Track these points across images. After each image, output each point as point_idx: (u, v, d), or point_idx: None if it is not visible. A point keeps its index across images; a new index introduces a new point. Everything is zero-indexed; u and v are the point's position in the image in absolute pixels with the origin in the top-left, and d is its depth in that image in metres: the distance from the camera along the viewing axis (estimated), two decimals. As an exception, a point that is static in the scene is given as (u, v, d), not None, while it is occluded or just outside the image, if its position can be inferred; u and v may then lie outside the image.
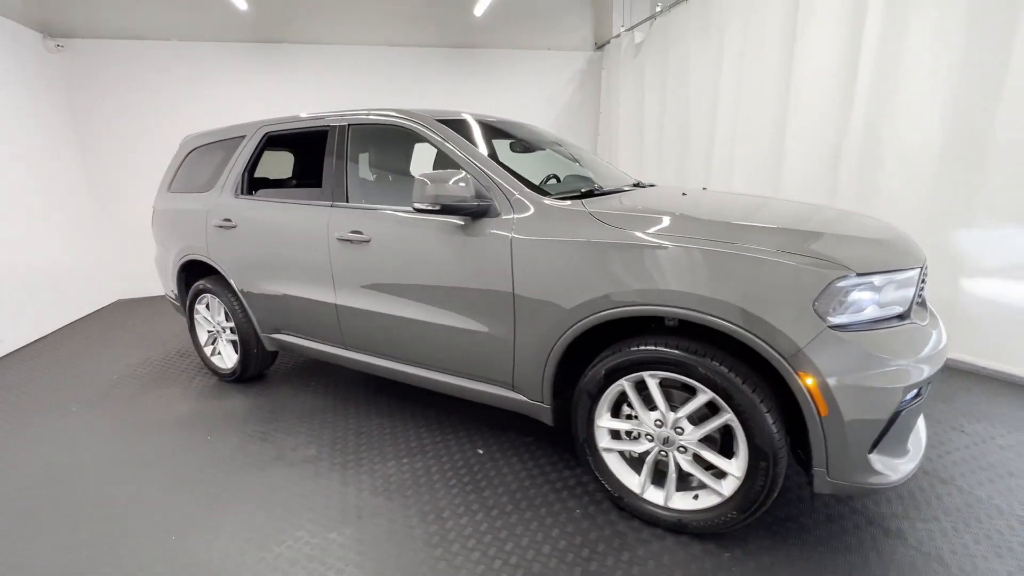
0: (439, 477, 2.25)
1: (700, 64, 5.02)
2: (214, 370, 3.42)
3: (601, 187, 2.39)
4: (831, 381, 1.47)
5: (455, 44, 6.48)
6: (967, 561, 1.66)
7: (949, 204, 3.08)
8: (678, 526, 1.81)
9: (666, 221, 1.77)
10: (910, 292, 1.62)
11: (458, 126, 2.41)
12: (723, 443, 1.75)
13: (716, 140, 4.87)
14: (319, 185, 2.63)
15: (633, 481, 1.91)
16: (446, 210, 2.01)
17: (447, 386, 2.37)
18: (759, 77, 4.29)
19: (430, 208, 2.00)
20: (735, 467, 1.68)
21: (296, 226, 2.68)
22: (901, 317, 1.60)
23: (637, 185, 2.72)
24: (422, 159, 3.14)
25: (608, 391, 1.86)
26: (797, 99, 3.91)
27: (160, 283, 3.80)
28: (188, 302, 3.39)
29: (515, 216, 2.00)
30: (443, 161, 2.80)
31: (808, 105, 3.84)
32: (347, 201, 2.54)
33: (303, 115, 2.87)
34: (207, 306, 3.34)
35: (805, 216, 1.94)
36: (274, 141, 3.04)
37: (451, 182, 1.96)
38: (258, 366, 3.27)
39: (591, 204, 1.98)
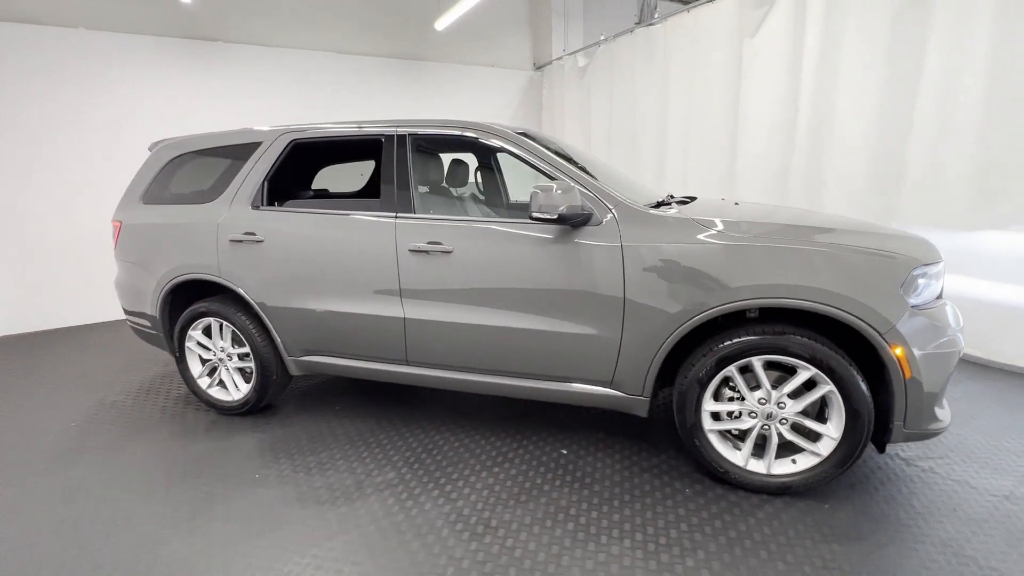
0: (541, 480, 2.30)
1: (648, 89, 5.60)
2: (212, 404, 3.03)
3: (669, 198, 2.63)
4: (915, 350, 1.86)
5: (402, 55, 6.41)
6: (984, 482, 2.17)
7: (875, 216, 3.86)
8: (781, 489, 2.10)
9: (768, 227, 2.06)
10: (942, 279, 2.09)
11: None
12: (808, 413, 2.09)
13: (667, 160, 5.46)
14: (365, 195, 2.53)
15: (736, 456, 2.16)
16: (560, 219, 2.11)
17: (531, 391, 2.43)
18: (708, 103, 4.93)
19: (548, 217, 2.09)
20: (832, 430, 2.01)
21: (352, 239, 2.54)
22: (938, 298, 2.07)
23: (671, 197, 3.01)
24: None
25: (716, 378, 2.10)
26: (746, 123, 4.59)
27: (118, 307, 3.27)
28: (179, 328, 2.97)
29: (619, 223, 2.17)
30: (452, 173, 2.87)
31: (757, 130, 4.53)
32: (413, 212, 2.49)
33: (338, 123, 2.73)
34: (205, 332, 2.97)
35: (856, 223, 2.33)
36: (301, 150, 2.83)
37: (565, 193, 2.07)
38: (274, 394, 2.97)
39: (687, 213, 2.22)
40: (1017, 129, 3.14)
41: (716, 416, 2.18)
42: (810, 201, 4.18)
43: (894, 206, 3.77)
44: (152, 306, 3.03)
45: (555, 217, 2.09)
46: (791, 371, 2.05)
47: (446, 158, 3.26)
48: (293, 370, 2.87)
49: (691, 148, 5.16)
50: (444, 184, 2.95)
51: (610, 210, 2.20)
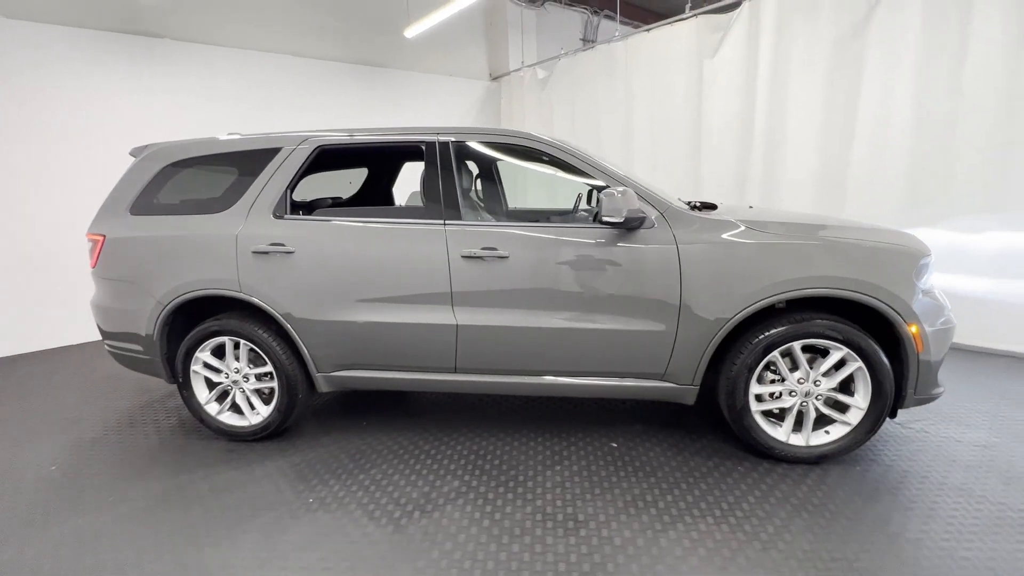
0: (605, 473, 2.39)
1: (611, 103, 5.93)
2: (225, 431, 2.79)
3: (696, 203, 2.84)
4: (926, 327, 2.21)
5: (360, 61, 6.25)
6: (965, 436, 2.60)
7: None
8: (820, 458, 2.37)
9: (802, 227, 2.33)
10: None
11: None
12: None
13: (632, 170, 5.82)
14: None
15: (779, 432, 2.40)
16: (624, 222, 2.24)
17: (585, 388, 2.53)
18: (672, 117, 5.35)
19: (616, 221, 2.21)
20: (860, 401, 2.31)
21: (398, 247, 2.49)
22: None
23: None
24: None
25: (761, 363, 2.33)
26: (709, 136, 5.04)
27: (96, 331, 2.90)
28: (184, 351, 2.71)
29: (671, 225, 2.34)
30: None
31: (718, 142, 4.99)
32: (461, 219, 2.50)
33: (371, 129, 2.67)
34: (215, 353, 2.74)
35: (860, 223, 2.68)
36: (328, 156, 2.72)
37: (626, 197, 2.21)
38: (298, 414, 2.80)
39: (727, 215, 2.44)
40: (937, 144, 3.77)
41: (759, 398, 2.41)
42: (766, 204, 4.68)
43: (839, 208, 4.34)
44: (148, 328, 2.73)
45: (622, 220, 2.22)
46: (822, 352, 2.33)
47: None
48: (322, 387, 2.72)
49: (657, 159, 5.55)
50: (471, 191, 2.98)
51: (661, 213, 2.37)
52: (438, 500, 2.23)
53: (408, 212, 2.60)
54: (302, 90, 5.86)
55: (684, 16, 5.10)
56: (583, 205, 3.47)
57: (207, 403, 2.79)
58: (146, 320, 2.73)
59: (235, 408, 2.80)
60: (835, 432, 2.38)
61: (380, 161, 3.62)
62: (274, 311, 2.59)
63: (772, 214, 2.65)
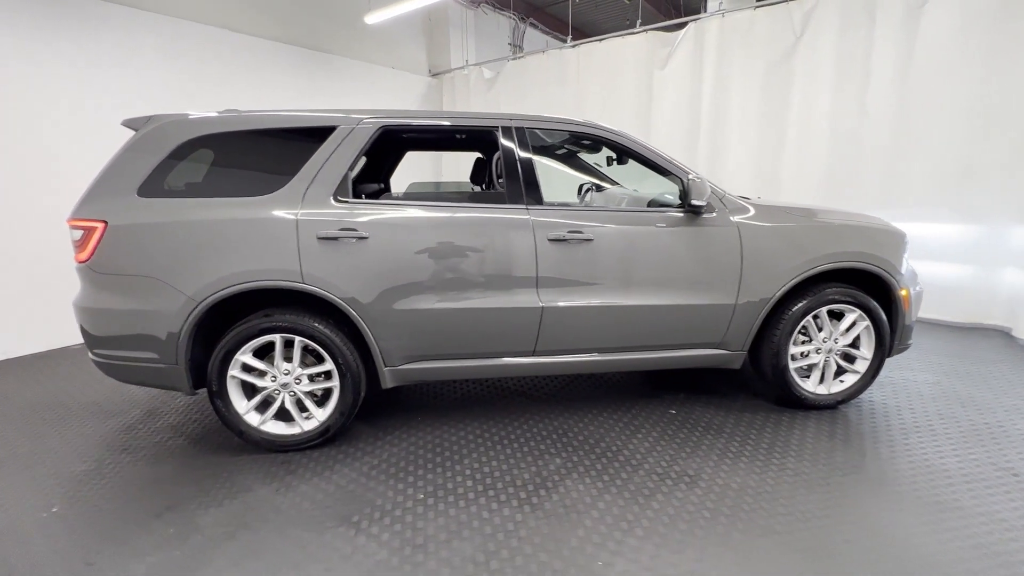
0: (684, 436, 2.62)
1: (562, 106, 6.26)
2: (271, 441, 2.48)
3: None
4: (911, 291, 2.82)
5: (301, 43, 5.78)
6: (919, 377, 3.32)
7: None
8: (839, 402, 2.87)
9: (826, 213, 2.80)
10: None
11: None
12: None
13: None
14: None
15: (808, 384, 2.85)
16: (705, 207, 2.50)
17: (655, 361, 2.73)
18: (622, 122, 5.82)
19: (701, 204, 2.46)
20: (866, 352, 2.85)
21: (484, 232, 2.45)
22: (902, 258, 3.11)
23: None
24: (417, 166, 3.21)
25: (797, 327, 2.75)
26: (657, 141, 5.60)
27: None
28: (223, 353, 2.36)
29: (729, 210, 2.66)
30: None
31: (666, 145, 5.56)
32: (542, 203, 2.55)
33: (434, 112, 2.58)
34: (258, 354, 2.42)
35: (845, 210, 3.24)
36: (388, 137, 2.56)
37: (705, 184, 2.48)
38: (354, 414, 2.59)
39: (768, 202, 2.83)
40: (848, 153, 4.69)
41: (792, 357, 2.84)
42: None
43: (773, 205, 5.15)
44: (172, 329, 2.31)
45: (703, 204, 2.48)
46: (837, 316, 2.83)
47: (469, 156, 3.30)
48: (387, 382, 2.56)
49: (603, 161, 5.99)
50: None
51: (719, 199, 2.68)
52: (553, 478, 2.27)
53: (484, 197, 2.57)
54: (231, 66, 5.24)
55: (635, 31, 5.61)
56: (589, 195, 3.70)
57: (247, 412, 2.45)
58: (170, 321, 2.31)
59: (280, 415, 2.50)
60: (848, 380, 2.90)
61: (437, 145, 3.46)
62: (342, 302, 2.38)
63: (787, 203, 3.14)
